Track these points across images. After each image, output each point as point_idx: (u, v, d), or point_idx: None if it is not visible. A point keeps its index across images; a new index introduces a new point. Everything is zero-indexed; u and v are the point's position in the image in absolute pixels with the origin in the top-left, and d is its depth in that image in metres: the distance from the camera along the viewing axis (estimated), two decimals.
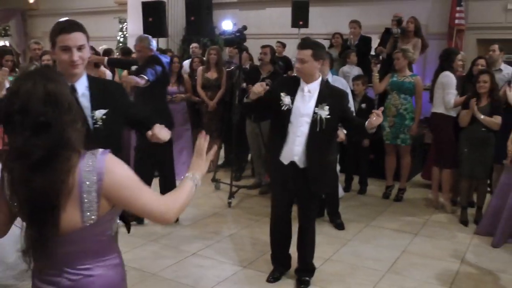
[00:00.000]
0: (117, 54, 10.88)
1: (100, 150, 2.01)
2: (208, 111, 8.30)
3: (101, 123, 2.91)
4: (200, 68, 8.50)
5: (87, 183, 1.94)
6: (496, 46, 7.47)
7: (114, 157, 2.03)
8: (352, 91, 7.48)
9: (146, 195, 2.06)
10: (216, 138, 8.10)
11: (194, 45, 10.41)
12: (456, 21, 10.51)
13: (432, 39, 10.36)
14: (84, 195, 1.95)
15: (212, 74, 8.36)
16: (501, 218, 5.80)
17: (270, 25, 13.02)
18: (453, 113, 6.75)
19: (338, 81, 6.33)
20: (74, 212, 1.95)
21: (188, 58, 11.46)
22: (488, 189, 6.95)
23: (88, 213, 1.97)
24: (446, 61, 6.93)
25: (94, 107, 2.93)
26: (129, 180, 2.04)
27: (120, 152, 2.79)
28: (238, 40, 7.25)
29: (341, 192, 7.15)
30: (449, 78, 6.79)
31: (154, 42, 6.57)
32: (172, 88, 7.95)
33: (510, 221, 5.77)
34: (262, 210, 6.94)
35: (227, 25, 10.95)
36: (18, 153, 1.87)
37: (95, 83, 3.03)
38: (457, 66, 7.04)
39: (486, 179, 6.66)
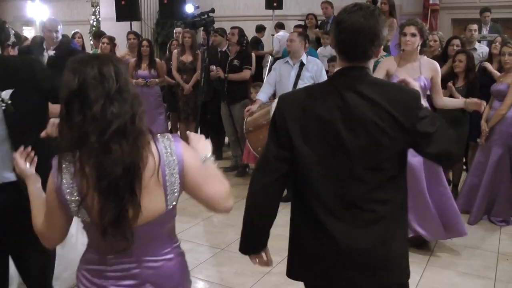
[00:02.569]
0: (90, 38, 10.74)
1: (169, 134, 2.01)
2: (184, 95, 8.25)
3: (10, 104, 2.74)
4: (175, 52, 8.42)
5: (169, 165, 1.93)
6: (475, 26, 7.52)
7: (185, 142, 2.03)
8: (328, 72, 7.51)
9: (215, 183, 2.08)
10: (192, 121, 8.06)
11: (178, 30, 10.21)
12: (431, 1, 10.58)
13: (406, 19, 10.38)
14: (167, 178, 1.93)
15: (187, 58, 8.28)
16: (476, 196, 5.86)
17: (245, 7, 12.99)
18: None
19: (313, 62, 6.33)
20: (159, 195, 1.93)
21: (162, 42, 11.39)
22: (464, 167, 7.00)
23: (170, 196, 1.96)
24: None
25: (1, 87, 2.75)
26: (201, 166, 2.05)
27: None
28: (202, 23, 7.20)
29: None
30: (428, 58, 6.79)
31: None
32: (143, 72, 7.89)
33: (486, 199, 5.84)
34: (240, 192, 6.91)
35: (189, 8, 10.86)
36: (97, 123, 1.78)
37: (1, 62, 2.87)
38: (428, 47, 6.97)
39: (461, 157, 6.71)
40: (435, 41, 7.07)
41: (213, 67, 7.48)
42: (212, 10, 7.41)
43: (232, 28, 7.72)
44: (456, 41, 7.00)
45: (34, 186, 2.19)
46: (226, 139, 8.56)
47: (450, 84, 6.08)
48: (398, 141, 2.16)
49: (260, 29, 10.96)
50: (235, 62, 7.60)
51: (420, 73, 4.86)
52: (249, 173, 7.78)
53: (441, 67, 6.86)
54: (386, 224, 2.23)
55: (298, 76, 6.25)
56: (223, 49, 8.10)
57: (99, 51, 8.47)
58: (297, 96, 2.32)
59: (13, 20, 17.48)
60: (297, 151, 2.24)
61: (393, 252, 2.25)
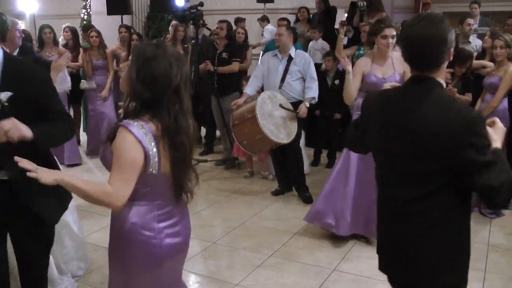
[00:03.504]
0: (80, 32, 10.66)
1: None
2: None
3: (5, 105, 2.73)
4: None
5: None
6: (471, 21, 7.52)
7: None
8: (323, 68, 7.52)
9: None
10: None
11: (174, 23, 10.15)
12: None
13: (398, 13, 10.37)
14: None
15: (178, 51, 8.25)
16: None
17: (236, 1, 12.92)
18: None
19: (301, 55, 6.31)
20: None
21: (153, 36, 11.31)
22: None
23: None
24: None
25: (1, 88, 2.75)
26: None
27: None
28: (192, 16, 7.18)
29: (306, 167, 7.16)
30: (398, 53, 6.80)
31: None
32: None
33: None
34: (229, 186, 6.94)
35: (179, 1, 10.81)
36: (184, 115, 2.39)
37: (11, 63, 2.85)
38: None
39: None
40: None
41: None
42: (201, 4, 7.41)
43: (220, 22, 7.68)
44: None
45: (71, 178, 2.30)
46: (217, 132, 8.55)
47: (450, 88, 6.04)
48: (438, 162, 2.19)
49: (239, 21, 10.87)
50: (224, 55, 7.59)
51: (394, 70, 5.02)
52: (239, 167, 7.79)
53: None
54: None
55: (286, 70, 6.22)
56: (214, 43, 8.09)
57: (88, 44, 8.39)
58: (379, 96, 2.48)
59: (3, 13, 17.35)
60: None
61: None
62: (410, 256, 2.36)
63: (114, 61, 8.50)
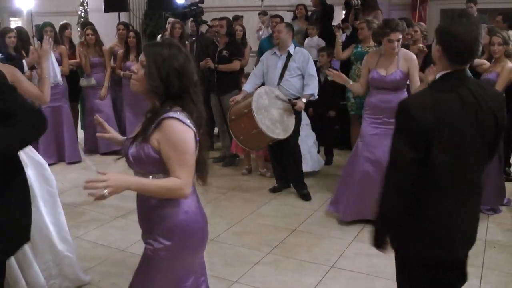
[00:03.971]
0: (78, 29, 10.65)
1: None
2: None
3: None
4: None
5: None
6: None
7: None
8: (318, 64, 7.50)
9: None
10: None
11: (171, 20, 10.14)
12: None
13: (396, 10, 10.39)
14: None
15: None
16: None
17: None
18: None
19: (300, 52, 6.31)
20: None
21: (151, 33, 11.30)
22: None
23: None
24: None
25: None
26: None
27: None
28: (193, 13, 7.17)
29: (315, 166, 7.23)
30: (405, 50, 6.84)
31: None
32: (131, 63, 7.81)
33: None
34: (226, 183, 6.94)
35: None
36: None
37: None
38: (404, 39, 6.84)
39: None
40: (415, 31, 7.02)
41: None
42: (201, 1, 7.39)
43: (220, 19, 7.66)
44: None
45: (137, 184, 2.41)
46: (216, 130, 8.54)
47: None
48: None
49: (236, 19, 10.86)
50: (224, 53, 7.57)
51: (398, 67, 5.31)
52: (237, 164, 7.79)
53: (431, 57, 6.86)
54: None
55: (285, 67, 6.22)
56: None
57: (79, 46, 8.35)
58: (425, 99, 2.49)
59: (0, 11, 17.33)
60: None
61: None
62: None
63: (112, 58, 8.50)
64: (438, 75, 2.55)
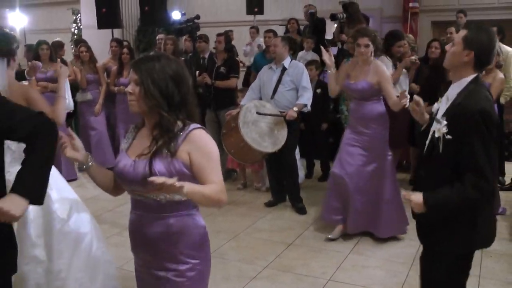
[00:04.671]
0: (72, 46, 10.68)
1: None
2: None
3: None
4: None
5: None
6: (452, 29, 7.61)
7: None
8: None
9: None
10: None
11: (160, 36, 10.20)
12: (411, 4, 10.65)
13: (387, 23, 10.46)
14: None
15: None
16: None
17: (226, 13, 12.99)
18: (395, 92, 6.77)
19: (294, 65, 6.33)
20: None
21: (144, 49, 11.31)
22: None
23: None
24: (385, 45, 6.86)
25: None
26: None
27: None
28: (189, 29, 7.22)
29: (301, 177, 7.18)
30: (382, 61, 6.87)
31: None
32: (125, 79, 7.66)
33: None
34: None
35: (176, 15, 10.86)
36: None
37: None
38: (395, 51, 6.83)
39: None
40: (403, 44, 7.04)
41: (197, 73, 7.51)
42: (197, 17, 7.43)
43: (219, 35, 7.66)
44: (435, 43, 7.06)
45: (194, 188, 2.27)
46: None
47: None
48: None
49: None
50: (222, 69, 7.54)
51: (366, 77, 5.27)
52: (235, 179, 7.80)
53: (423, 69, 6.92)
54: None
55: (279, 81, 6.23)
56: (205, 56, 8.11)
57: (74, 60, 8.36)
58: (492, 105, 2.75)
59: None
60: None
61: None
62: None
63: (105, 74, 8.50)
64: (467, 79, 2.73)
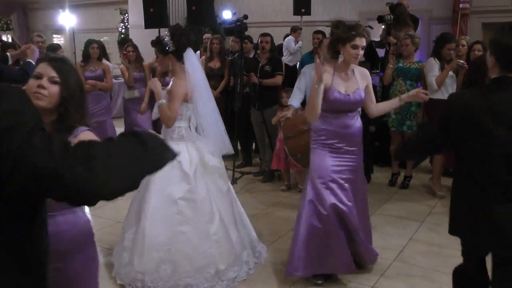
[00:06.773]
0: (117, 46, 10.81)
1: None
2: None
3: None
4: (203, 58, 8.46)
5: None
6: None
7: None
8: None
9: None
10: None
11: (207, 35, 10.30)
12: (461, 5, 10.43)
13: (436, 24, 10.28)
14: None
15: (215, 64, 8.31)
16: None
17: (273, 13, 12.98)
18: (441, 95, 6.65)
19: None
20: None
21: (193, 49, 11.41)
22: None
23: None
24: (435, 47, 6.96)
25: None
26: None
27: None
28: (238, 29, 7.27)
29: None
30: (429, 63, 6.93)
31: None
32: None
33: None
34: (265, 199, 6.89)
35: (226, 14, 10.92)
36: None
37: None
38: (445, 54, 6.83)
39: None
40: (462, 45, 6.98)
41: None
42: (246, 17, 7.50)
43: (264, 35, 7.82)
44: (478, 46, 6.91)
45: None
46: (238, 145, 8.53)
47: None
48: None
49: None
50: (267, 67, 7.68)
51: (358, 85, 4.39)
52: (279, 179, 7.76)
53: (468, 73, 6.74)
54: None
55: None
56: (250, 56, 8.13)
57: (122, 59, 8.48)
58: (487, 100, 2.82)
59: (44, 28, 17.76)
60: None
61: None
62: None
63: (151, 74, 8.59)
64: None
